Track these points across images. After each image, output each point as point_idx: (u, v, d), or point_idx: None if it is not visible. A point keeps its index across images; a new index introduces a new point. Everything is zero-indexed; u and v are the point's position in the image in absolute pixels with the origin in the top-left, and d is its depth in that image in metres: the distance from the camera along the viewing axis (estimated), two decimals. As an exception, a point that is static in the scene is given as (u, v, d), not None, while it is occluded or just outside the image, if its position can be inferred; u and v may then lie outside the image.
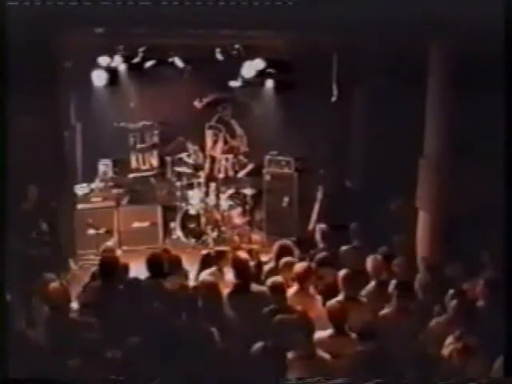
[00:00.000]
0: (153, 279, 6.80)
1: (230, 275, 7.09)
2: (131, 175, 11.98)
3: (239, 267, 6.75)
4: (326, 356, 5.37)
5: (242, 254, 7.11)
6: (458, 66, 7.59)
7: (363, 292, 6.78)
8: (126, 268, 7.17)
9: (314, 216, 10.90)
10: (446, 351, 5.29)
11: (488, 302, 6.11)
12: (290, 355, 5.15)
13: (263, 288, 6.65)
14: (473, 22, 6.22)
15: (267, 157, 11.82)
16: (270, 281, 6.50)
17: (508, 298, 4.97)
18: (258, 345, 5.21)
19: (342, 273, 6.68)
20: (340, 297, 6.53)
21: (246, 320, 5.96)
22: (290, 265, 7.06)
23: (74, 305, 6.31)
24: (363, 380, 4.53)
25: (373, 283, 6.89)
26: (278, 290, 6.33)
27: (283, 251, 7.54)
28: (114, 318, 5.72)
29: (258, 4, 6.16)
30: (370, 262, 7.16)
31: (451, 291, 6.02)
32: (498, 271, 6.29)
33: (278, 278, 6.50)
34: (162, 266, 6.93)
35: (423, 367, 4.84)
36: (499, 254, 5.77)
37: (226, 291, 6.52)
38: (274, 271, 7.39)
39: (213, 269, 7.33)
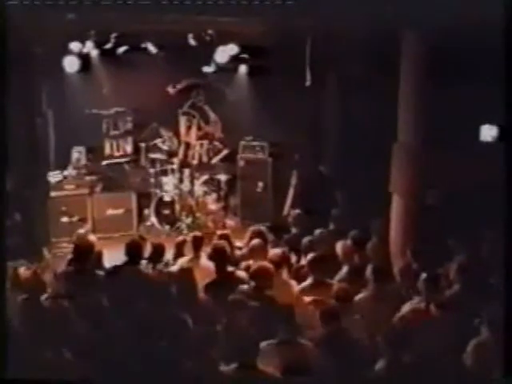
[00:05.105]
0: (130, 265, 6.77)
1: (204, 260, 7.11)
2: (105, 162, 11.87)
3: (218, 256, 6.73)
4: (307, 342, 5.38)
5: (221, 243, 7.08)
6: (431, 53, 7.61)
7: (337, 277, 6.82)
8: (99, 255, 7.18)
9: (289, 201, 10.94)
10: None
11: (461, 287, 6.18)
12: (269, 342, 5.17)
13: (242, 273, 6.67)
14: (447, 8, 6.23)
15: (242, 142, 11.82)
16: (256, 265, 6.43)
17: (507, 298, 4.99)
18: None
19: (309, 257, 6.71)
20: (308, 281, 6.55)
21: (222, 307, 5.96)
22: (259, 248, 7.11)
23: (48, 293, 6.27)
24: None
25: (345, 268, 6.93)
26: (263, 274, 6.23)
27: (256, 237, 7.57)
28: (90, 305, 5.68)
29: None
30: (339, 247, 7.21)
31: (424, 275, 6.07)
32: (471, 256, 6.39)
33: (265, 264, 6.43)
34: (141, 252, 6.91)
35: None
36: (495, 246, 5.82)
37: (203, 279, 6.51)
38: (246, 256, 7.43)
39: (189, 256, 7.33)
